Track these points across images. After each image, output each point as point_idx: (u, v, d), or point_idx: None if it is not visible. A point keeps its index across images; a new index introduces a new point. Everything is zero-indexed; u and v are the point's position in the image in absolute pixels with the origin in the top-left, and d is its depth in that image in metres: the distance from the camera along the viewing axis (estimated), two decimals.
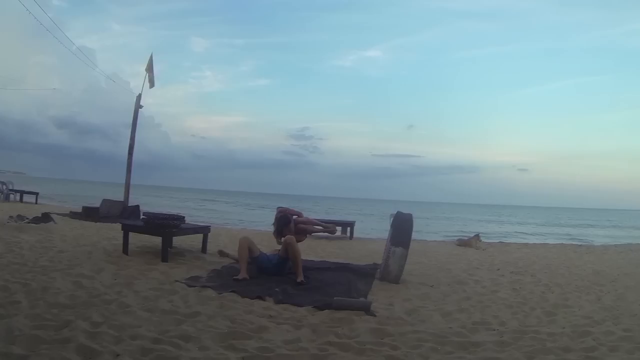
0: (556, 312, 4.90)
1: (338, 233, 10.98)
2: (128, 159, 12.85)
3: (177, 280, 5.18)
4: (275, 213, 6.66)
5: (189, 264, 6.40)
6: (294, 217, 6.49)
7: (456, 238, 14.65)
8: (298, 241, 6.06)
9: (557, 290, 6.25)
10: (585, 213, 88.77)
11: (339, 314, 4.23)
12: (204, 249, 7.43)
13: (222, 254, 6.94)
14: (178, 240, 7.59)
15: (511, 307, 5.04)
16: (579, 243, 18.14)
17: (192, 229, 7.65)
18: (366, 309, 4.41)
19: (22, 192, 19.30)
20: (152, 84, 13.25)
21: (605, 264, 9.70)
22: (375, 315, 4.29)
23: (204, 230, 7.71)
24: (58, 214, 11.01)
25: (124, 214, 13.01)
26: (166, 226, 6.66)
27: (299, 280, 5.53)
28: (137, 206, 13.98)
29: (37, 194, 19.35)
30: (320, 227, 6.86)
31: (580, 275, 7.72)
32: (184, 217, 7.47)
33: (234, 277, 5.51)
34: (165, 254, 6.44)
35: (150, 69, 13.18)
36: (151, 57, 13.64)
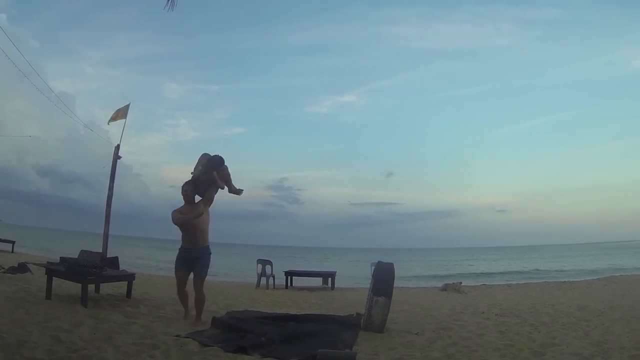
0: (544, 351, 4.81)
1: None
2: (106, 209, 12.56)
3: (179, 335, 4.91)
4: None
5: (170, 318, 6.14)
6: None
7: (441, 284, 14.55)
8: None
9: (544, 329, 6.16)
10: (567, 249, 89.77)
11: None
12: (128, 294, 7.47)
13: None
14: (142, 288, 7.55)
15: (498, 350, 4.91)
16: (562, 280, 18.19)
17: (116, 276, 7.58)
18: None
19: None
20: (111, 121, 13.12)
21: (590, 299, 9.69)
22: None
23: (129, 277, 7.69)
24: (35, 264, 10.53)
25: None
26: (85, 273, 6.64)
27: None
28: (116, 257, 13.60)
29: (13, 242, 18.54)
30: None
31: (565, 312, 7.67)
32: (103, 266, 7.29)
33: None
34: (85, 299, 6.38)
35: (122, 114, 13.02)
36: (128, 106, 13.50)
